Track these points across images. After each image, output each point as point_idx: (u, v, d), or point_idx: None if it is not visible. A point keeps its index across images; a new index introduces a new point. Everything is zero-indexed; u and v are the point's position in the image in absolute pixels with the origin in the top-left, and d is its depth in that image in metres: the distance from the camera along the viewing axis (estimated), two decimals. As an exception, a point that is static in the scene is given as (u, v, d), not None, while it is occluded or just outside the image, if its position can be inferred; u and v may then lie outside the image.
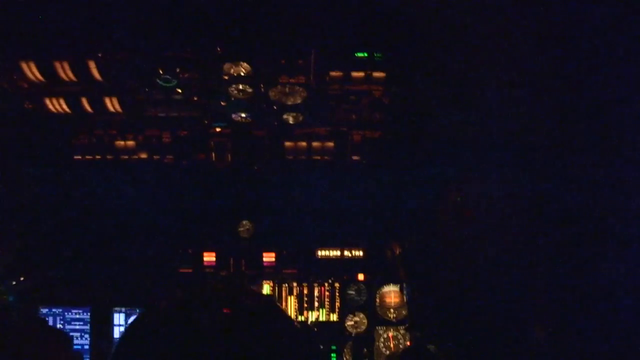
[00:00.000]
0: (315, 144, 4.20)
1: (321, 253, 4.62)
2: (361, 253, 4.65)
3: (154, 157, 4.18)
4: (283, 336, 1.41)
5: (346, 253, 4.64)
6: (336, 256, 4.63)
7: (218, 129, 4.15)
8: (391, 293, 4.63)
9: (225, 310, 1.34)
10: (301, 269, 4.54)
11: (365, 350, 4.52)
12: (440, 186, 4.08)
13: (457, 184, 3.87)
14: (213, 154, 4.24)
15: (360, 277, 4.59)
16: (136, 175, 4.28)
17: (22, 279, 4.04)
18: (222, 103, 3.90)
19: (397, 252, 4.62)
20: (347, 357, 4.50)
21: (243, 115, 4.05)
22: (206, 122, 4.11)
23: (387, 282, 4.61)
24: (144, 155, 4.18)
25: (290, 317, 1.88)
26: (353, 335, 4.50)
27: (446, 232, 4.02)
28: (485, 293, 3.49)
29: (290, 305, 4.50)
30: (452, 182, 3.88)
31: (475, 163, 3.59)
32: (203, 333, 1.28)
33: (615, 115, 2.60)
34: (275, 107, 3.95)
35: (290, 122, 4.07)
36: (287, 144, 4.22)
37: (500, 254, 3.34)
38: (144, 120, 3.99)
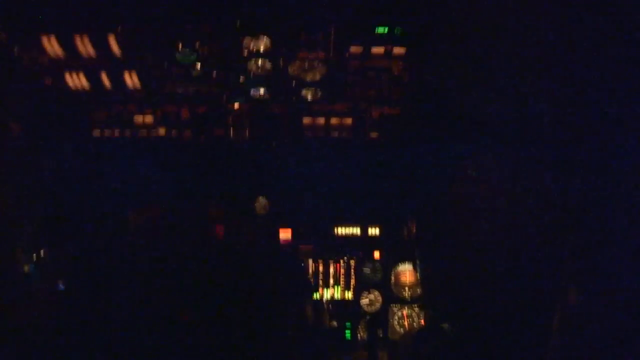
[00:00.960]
0: (333, 120, 4.15)
1: (338, 230, 4.58)
2: (377, 231, 4.62)
3: (172, 132, 4.14)
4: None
5: (362, 230, 4.59)
6: (352, 233, 4.59)
7: (236, 105, 4.10)
8: (406, 272, 4.61)
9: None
10: (317, 246, 4.50)
11: (380, 328, 4.51)
12: (457, 165, 4.03)
13: (474, 161, 3.81)
14: (231, 131, 4.19)
15: (376, 254, 4.57)
16: (154, 151, 4.24)
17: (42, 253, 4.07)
18: (241, 79, 3.85)
19: (413, 230, 4.59)
20: (362, 334, 4.50)
21: (261, 91, 4.01)
22: (224, 98, 4.06)
23: (403, 261, 4.59)
24: (162, 131, 4.14)
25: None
26: (367, 313, 4.49)
27: (462, 210, 3.98)
28: (500, 273, 3.47)
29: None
30: (469, 160, 3.83)
31: (492, 143, 3.55)
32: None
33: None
34: (293, 83, 3.88)
35: (309, 98, 4.02)
36: (305, 120, 4.17)
37: (515, 234, 3.30)
38: (162, 96, 3.94)
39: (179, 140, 4.17)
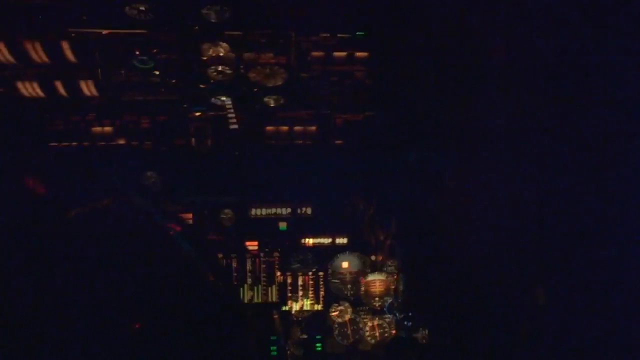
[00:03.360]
0: (297, 128, 4.08)
1: (305, 241, 4.48)
2: (345, 240, 4.54)
3: (132, 143, 3.96)
4: None
5: (330, 241, 4.51)
6: (320, 244, 4.50)
7: (197, 113, 3.97)
8: (376, 281, 4.56)
9: None
10: (284, 257, 4.40)
11: (350, 339, 4.47)
12: (426, 171, 3.97)
13: (453, 169, 3.75)
14: (193, 139, 4.05)
15: (345, 265, 4.50)
16: (114, 162, 4.01)
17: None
18: (202, 86, 3.71)
19: (381, 238, 4.55)
20: (332, 346, 4.42)
21: (223, 98, 3.87)
22: (185, 106, 3.93)
23: (372, 271, 4.55)
24: (122, 141, 3.96)
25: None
26: (337, 324, 4.42)
27: (440, 219, 3.91)
28: (480, 282, 3.41)
29: (273, 294, 4.33)
30: (446, 168, 3.76)
31: (467, 150, 3.49)
32: None
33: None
34: (255, 90, 3.76)
35: (271, 105, 3.90)
36: (268, 128, 4.08)
37: (496, 243, 3.24)
38: (121, 104, 3.75)
39: (139, 151, 4.00)
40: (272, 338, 3.91)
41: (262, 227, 4.19)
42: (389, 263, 4.48)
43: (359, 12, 3.35)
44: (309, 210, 4.27)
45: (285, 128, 4.05)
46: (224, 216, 4.31)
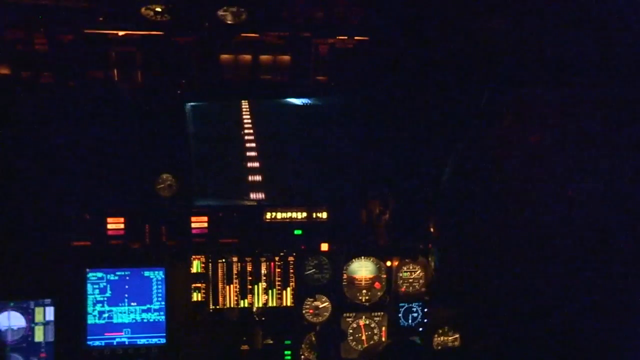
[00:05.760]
0: (264, 57, 3.16)
1: (270, 215, 3.91)
2: (324, 215, 3.93)
3: (22, 73, 3.10)
4: None
5: (304, 215, 3.92)
6: (290, 219, 3.92)
7: (121, 33, 3.05)
8: (362, 269, 3.92)
9: None
10: (243, 238, 3.86)
11: (331, 345, 3.86)
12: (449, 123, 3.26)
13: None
14: (115, 72, 3.21)
15: (324, 247, 3.90)
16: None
17: None
18: None
19: (377, 212, 3.84)
20: (307, 354, 3.85)
21: (158, 9, 2.84)
22: (101, 19, 2.95)
23: (359, 255, 3.92)
24: (4, 71, 3.08)
25: None
26: (314, 325, 3.85)
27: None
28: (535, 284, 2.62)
29: (230, 288, 3.81)
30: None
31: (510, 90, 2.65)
32: None
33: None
34: None
35: (229, 21, 2.91)
36: (224, 56, 3.18)
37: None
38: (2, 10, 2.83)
39: (35, 86, 3.22)
40: (286, 343, 3.79)
41: (277, 232, 3.91)
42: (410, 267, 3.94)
43: None
44: (324, 215, 3.94)
45: (247, 57, 3.15)
46: (161, 184, 3.76)
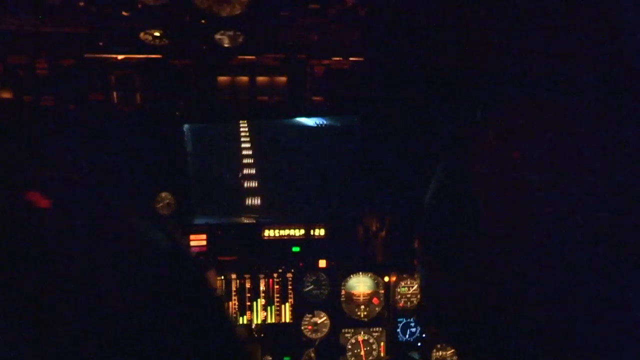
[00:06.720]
0: (260, 78, 3.18)
1: (268, 232, 3.92)
2: (322, 232, 3.94)
3: (23, 97, 3.10)
4: None
5: (302, 232, 3.93)
6: (289, 236, 3.92)
7: (120, 57, 3.11)
8: (360, 284, 3.93)
9: None
10: (242, 255, 3.84)
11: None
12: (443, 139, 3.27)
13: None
14: (114, 95, 3.24)
15: (322, 263, 3.89)
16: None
17: None
18: (125, 13, 2.74)
19: (374, 229, 3.87)
20: None
21: (156, 34, 2.93)
22: (102, 44, 3.00)
23: (356, 270, 3.92)
24: (6, 95, 3.08)
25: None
26: (313, 341, 3.83)
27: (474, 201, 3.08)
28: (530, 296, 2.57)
29: (228, 305, 3.82)
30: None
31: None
32: None
33: None
34: (203, 22, 2.82)
35: (226, 45, 2.99)
36: (221, 79, 3.24)
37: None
38: (0, 38, 2.90)
39: (36, 109, 3.21)
40: (285, 359, 3.77)
41: (275, 248, 3.92)
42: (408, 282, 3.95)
43: None
44: (322, 232, 3.95)
45: (244, 79, 3.18)
46: (160, 203, 3.77)
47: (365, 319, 3.86)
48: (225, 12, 2.73)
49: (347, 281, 3.87)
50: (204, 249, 3.76)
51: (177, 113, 3.38)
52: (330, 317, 3.82)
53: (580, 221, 1.95)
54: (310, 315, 3.82)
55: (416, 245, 3.11)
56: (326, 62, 3.13)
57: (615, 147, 2.08)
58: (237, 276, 3.78)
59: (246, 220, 4.03)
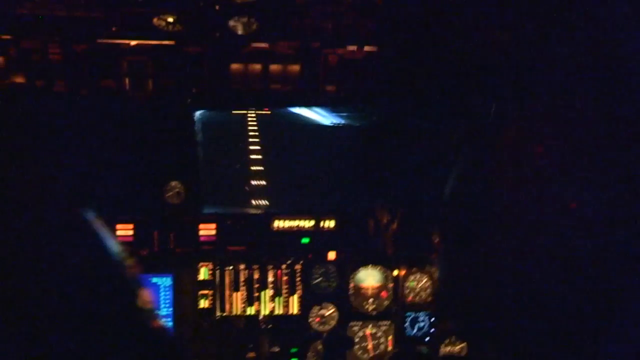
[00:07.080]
0: (273, 66, 3.16)
1: (278, 223, 3.89)
2: (332, 224, 3.92)
3: (36, 82, 3.06)
4: None
5: (312, 224, 3.90)
6: (298, 227, 3.90)
7: (133, 43, 3.06)
8: (369, 277, 3.91)
9: None
10: (251, 246, 3.84)
11: (338, 353, 3.78)
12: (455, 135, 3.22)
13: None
14: (126, 81, 3.17)
15: (331, 255, 3.88)
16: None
17: None
18: None
19: (385, 221, 3.82)
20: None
21: (170, 20, 2.92)
22: (115, 29, 2.97)
23: (366, 263, 3.91)
24: (20, 80, 3.04)
25: None
26: (320, 333, 3.83)
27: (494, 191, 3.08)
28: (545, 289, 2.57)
29: (236, 296, 3.80)
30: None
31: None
32: None
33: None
34: (217, 8, 2.85)
35: (239, 32, 2.95)
36: (234, 66, 3.18)
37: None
38: (15, 22, 2.86)
39: (48, 95, 3.17)
40: (292, 351, 3.77)
41: (284, 239, 3.91)
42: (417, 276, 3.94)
43: None
44: (332, 224, 3.92)
45: (257, 67, 3.14)
46: (170, 192, 3.77)
47: (374, 312, 3.87)
48: (240, -2, 2.73)
49: (356, 274, 3.87)
50: (213, 238, 3.76)
51: (188, 100, 3.37)
52: (338, 309, 3.83)
53: (605, 215, 1.92)
54: (318, 307, 3.83)
55: (435, 238, 3.10)
56: (340, 51, 3.11)
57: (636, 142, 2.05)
58: (245, 267, 3.78)
59: (256, 211, 4.05)
